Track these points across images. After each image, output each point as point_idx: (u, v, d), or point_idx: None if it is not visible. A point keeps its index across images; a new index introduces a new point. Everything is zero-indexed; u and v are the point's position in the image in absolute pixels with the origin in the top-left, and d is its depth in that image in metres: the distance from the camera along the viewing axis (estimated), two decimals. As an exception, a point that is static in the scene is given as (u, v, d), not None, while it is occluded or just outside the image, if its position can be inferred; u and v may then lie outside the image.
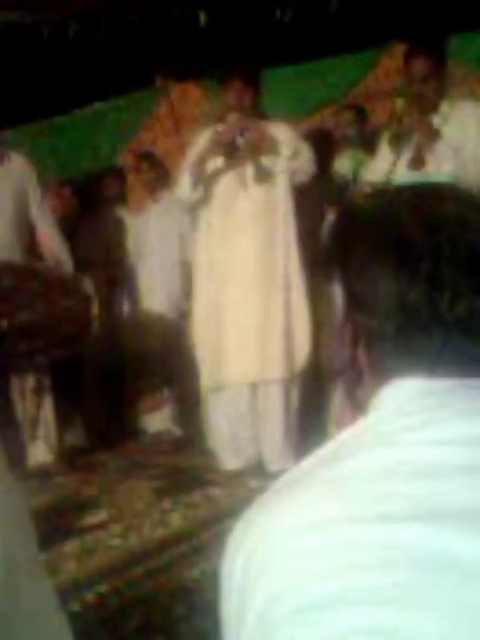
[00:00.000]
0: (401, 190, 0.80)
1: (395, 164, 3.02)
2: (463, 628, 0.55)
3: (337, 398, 3.88)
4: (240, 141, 3.38)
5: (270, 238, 3.49)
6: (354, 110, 4.24)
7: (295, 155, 3.45)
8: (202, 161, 3.48)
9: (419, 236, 0.71)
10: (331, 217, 3.80)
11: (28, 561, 0.87)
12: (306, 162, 3.48)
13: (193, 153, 3.58)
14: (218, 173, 3.52)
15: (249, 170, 3.50)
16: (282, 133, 3.51)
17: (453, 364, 0.70)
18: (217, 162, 3.51)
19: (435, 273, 0.69)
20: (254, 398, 3.56)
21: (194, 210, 3.65)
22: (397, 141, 3.07)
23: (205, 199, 3.55)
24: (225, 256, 3.52)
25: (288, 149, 3.44)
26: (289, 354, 3.48)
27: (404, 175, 3.06)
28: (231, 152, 3.41)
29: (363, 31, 4.36)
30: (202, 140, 3.59)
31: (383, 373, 0.73)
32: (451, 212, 0.73)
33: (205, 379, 3.60)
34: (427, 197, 0.76)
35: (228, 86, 3.50)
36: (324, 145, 4.19)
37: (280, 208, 3.50)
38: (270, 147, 3.46)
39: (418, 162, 3.06)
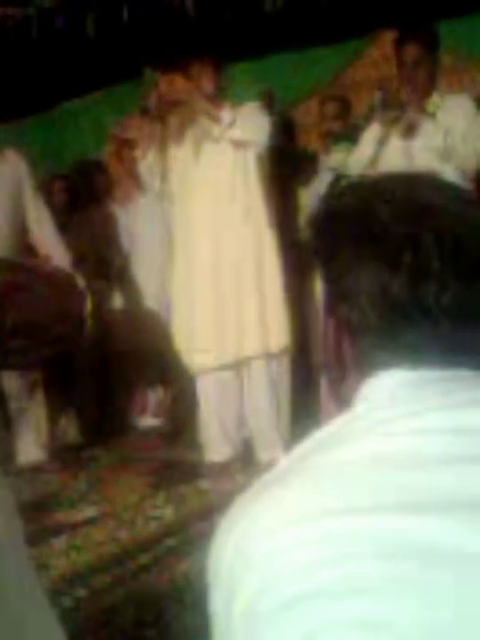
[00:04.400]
0: (376, 182, 0.80)
1: (384, 137, 3.05)
2: (460, 618, 0.55)
3: (323, 388, 3.89)
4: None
5: (239, 216, 3.45)
6: (338, 102, 4.21)
7: (235, 122, 3.37)
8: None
9: (398, 227, 0.70)
10: (307, 205, 3.80)
11: (15, 558, 0.85)
12: (253, 128, 3.38)
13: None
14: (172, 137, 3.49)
15: (203, 147, 3.46)
16: (241, 110, 3.45)
17: (439, 355, 0.69)
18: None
19: (417, 264, 0.69)
20: (240, 383, 3.58)
21: (163, 195, 3.64)
22: (388, 110, 3.10)
23: (171, 183, 3.55)
24: (194, 235, 3.51)
25: (228, 117, 3.38)
26: (265, 331, 3.46)
27: (389, 152, 3.07)
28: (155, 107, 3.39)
29: (349, 21, 4.34)
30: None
31: (368, 367, 0.73)
32: (428, 202, 0.72)
33: (190, 361, 3.60)
34: (403, 187, 0.76)
35: (187, 72, 3.46)
36: (292, 130, 4.16)
37: (241, 183, 3.44)
38: (203, 108, 3.41)
39: (409, 131, 3.08)
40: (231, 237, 3.46)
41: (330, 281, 0.75)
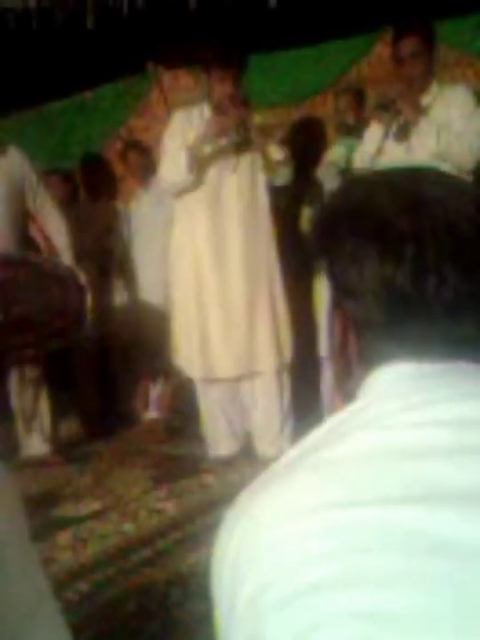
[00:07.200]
0: (380, 175, 0.80)
1: (384, 137, 3.05)
2: (462, 609, 0.55)
3: (328, 382, 3.89)
4: (241, 133, 3.37)
5: (254, 229, 3.50)
6: (352, 94, 4.20)
7: (283, 161, 3.48)
8: (201, 145, 3.44)
9: (400, 220, 0.70)
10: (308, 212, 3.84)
11: (20, 553, 0.86)
12: (289, 169, 3.53)
13: (172, 135, 3.52)
14: (212, 158, 3.48)
15: (240, 160, 3.47)
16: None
17: (441, 348, 0.70)
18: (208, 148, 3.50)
19: (419, 257, 0.69)
20: (243, 384, 3.60)
21: (180, 195, 3.59)
22: (384, 111, 3.11)
23: (194, 185, 3.52)
24: (210, 247, 3.50)
25: (279, 154, 3.46)
26: (277, 346, 3.52)
27: (390, 149, 3.08)
28: (239, 143, 3.40)
29: (356, 17, 4.32)
30: (177, 122, 3.54)
31: (372, 361, 0.73)
32: (430, 195, 0.72)
33: (192, 370, 3.61)
34: (405, 181, 0.76)
35: (212, 74, 3.44)
36: (314, 134, 4.19)
37: (261, 203, 3.52)
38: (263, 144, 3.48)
39: (402, 134, 3.08)
40: (244, 245, 3.48)
41: (334, 276, 0.75)
